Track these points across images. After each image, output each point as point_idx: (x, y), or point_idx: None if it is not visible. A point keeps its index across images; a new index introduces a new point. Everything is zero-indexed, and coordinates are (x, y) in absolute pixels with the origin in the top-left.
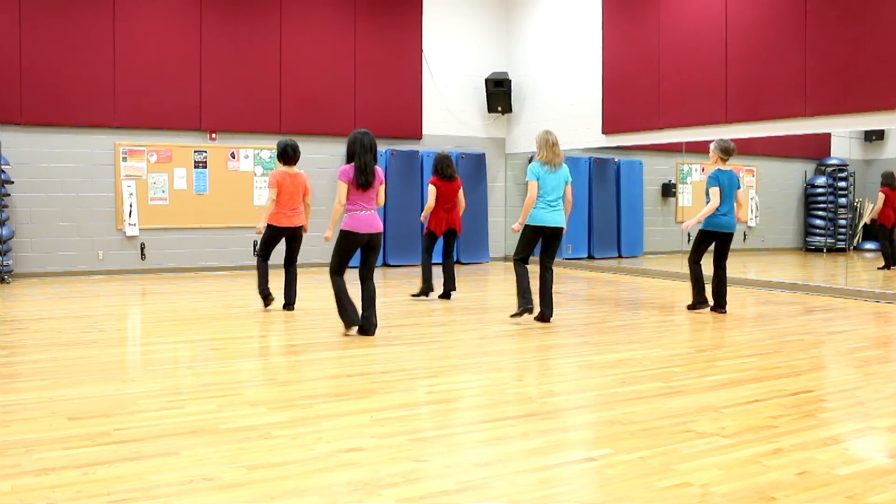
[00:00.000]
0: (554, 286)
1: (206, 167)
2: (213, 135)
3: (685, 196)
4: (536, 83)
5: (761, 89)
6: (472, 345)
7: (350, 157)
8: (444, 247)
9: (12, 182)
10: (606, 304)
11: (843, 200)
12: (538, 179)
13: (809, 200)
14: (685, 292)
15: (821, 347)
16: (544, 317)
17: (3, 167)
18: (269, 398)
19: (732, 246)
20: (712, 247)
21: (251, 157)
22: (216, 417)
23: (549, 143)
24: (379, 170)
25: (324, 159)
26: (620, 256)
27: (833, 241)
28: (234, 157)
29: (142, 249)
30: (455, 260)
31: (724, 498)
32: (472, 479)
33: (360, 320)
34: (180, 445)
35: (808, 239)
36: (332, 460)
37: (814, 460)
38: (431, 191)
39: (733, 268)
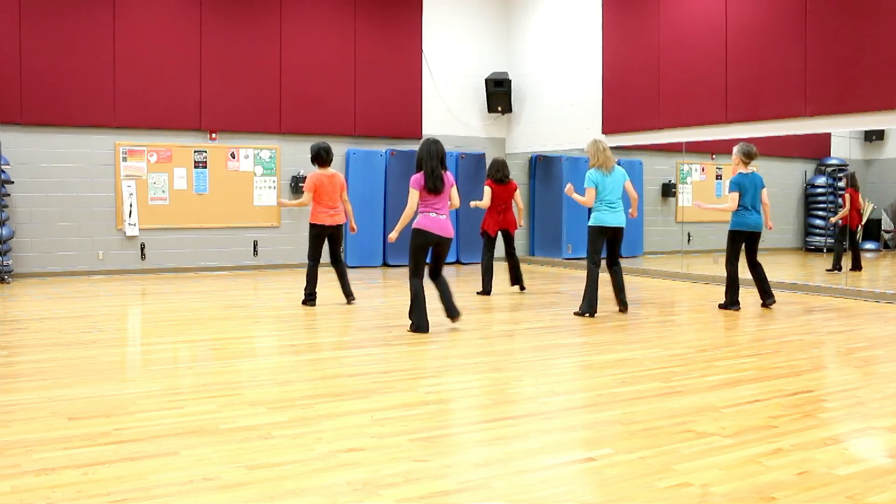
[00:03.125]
0: (555, 286)
1: (206, 167)
2: (213, 135)
3: (685, 196)
4: (536, 83)
5: (761, 89)
6: (472, 345)
7: (419, 166)
8: (505, 246)
9: (12, 182)
10: (607, 304)
11: (842, 200)
12: (596, 186)
13: (809, 200)
14: (685, 292)
15: (821, 347)
16: (622, 309)
17: (3, 167)
18: (269, 398)
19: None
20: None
21: (251, 157)
22: (216, 417)
23: (599, 149)
24: (448, 174)
25: None
26: (620, 256)
27: (833, 240)
28: (234, 157)
29: (142, 249)
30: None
31: (724, 498)
32: (472, 479)
33: (429, 328)
34: (180, 445)
35: (807, 239)
36: (332, 460)
37: (814, 460)
38: (487, 192)
39: None
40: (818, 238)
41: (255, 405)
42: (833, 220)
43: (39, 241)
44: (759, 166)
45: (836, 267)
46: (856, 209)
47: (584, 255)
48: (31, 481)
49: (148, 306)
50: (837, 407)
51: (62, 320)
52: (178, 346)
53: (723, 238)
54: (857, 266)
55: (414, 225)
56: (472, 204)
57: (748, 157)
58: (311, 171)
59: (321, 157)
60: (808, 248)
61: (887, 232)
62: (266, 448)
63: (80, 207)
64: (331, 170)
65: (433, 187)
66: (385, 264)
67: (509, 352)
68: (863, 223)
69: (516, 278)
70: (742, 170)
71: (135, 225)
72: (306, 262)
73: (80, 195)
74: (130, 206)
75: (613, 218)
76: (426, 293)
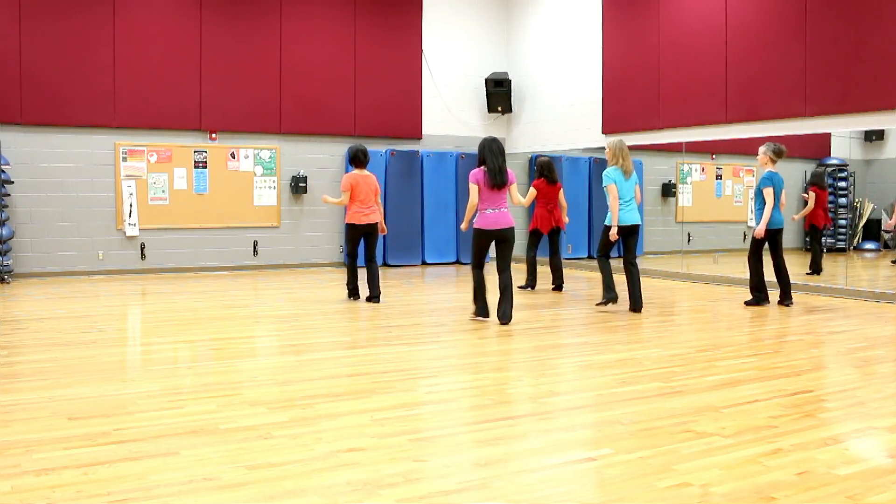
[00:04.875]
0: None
1: (206, 167)
2: (213, 135)
3: (685, 196)
4: (536, 83)
5: (761, 89)
6: (472, 345)
7: (481, 162)
8: (552, 244)
9: (12, 182)
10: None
11: (843, 200)
12: (616, 182)
13: None
14: (685, 292)
15: (821, 347)
16: (636, 308)
17: (3, 167)
18: (269, 398)
19: (733, 245)
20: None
21: (251, 157)
22: (216, 417)
23: (624, 152)
24: (510, 172)
25: (324, 159)
26: (621, 256)
27: (833, 241)
28: (234, 157)
29: (142, 249)
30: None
31: (724, 498)
32: (472, 479)
33: (489, 314)
34: (180, 445)
35: (807, 239)
36: (332, 460)
37: (814, 460)
38: (532, 193)
39: (733, 267)
40: None
41: (255, 405)
42: (795, 217)
43: (39, 241)
44: (758, 167)
45: (814, 269)
46: (822, 208)
47: (584, 255)
48: (31, 481)
49: (148, 306)
50: (837, 407)
51: (62, 320)
52: (178, 346)
53: (723, 238)
54: (816, 268)
55: (474, 225)
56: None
57: (778, 155)
58: (348, 172)
59: (358, 159)
60: (808, 249)
61: (887, 232)
62: (266, 448)
63: (80, 207)
64: (366, 171)
65: (498, 183)
66: (385, 264)
67: (509, 352)
68: (863, 224)
69: (559, 280)
70: (771, 168)
71: (135, 225)
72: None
73: (80, 195)
74: (130, 206)
75: (630, 216)
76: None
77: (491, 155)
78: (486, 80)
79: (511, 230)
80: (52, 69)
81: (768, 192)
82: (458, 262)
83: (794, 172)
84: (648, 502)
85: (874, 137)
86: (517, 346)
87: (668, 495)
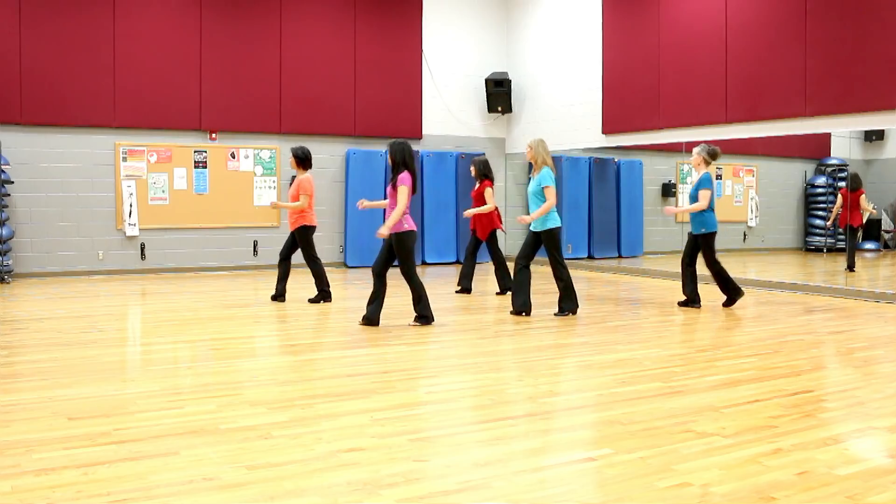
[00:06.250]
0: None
1: (206, 167)
2: (213, 135)
3: (685, 196)
4: (536, 83)
5: (761, 89)
6: (472, 345)
7: (402, 165)
8: (478, 246)
9: (12, 182)
10: (606, 304)
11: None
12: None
13: (809, 200)
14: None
15: (821, 347)
16: (528, 311)
17: (3, 167)
18: (269, 398)
19: (733, 246)
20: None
21: (251, 157)
22: (216, 417)
23: (548, 152)
24: None
25: (324, 159)
26: (620, 256)
27: (833, 241)
28: (234, 157)
29: (142, 249)
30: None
31: (724, 498)
32: (472, 479)
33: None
34: (180, 445)
35: (808, 239)
36: (332, 460)
37: (814, 460)
38: (490, 194)
39: (732, 267)
40: (818, 238)
41: (255, 405)
42: (828, 223)
43: (39, 241)
44: (758, 167)
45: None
46: (847, 208)
47: (584, 255)
48: (31, 481)
49: (148, 306)
50: (837, 407)
51: (62, 320)
52: (178, 346)
53: (723, 238)
54: (850, 265)
55: (408, 228)
56: (486, 209)
57: (712, 156)
58: (304, 176)
59: (309, 161)
60: (808, 248)
61: (887, 232)
62: (266, 448)
63: (80, 207)
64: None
65: (414, 188)
66: None
67: (509, 352)
68: (862, 223)
69: (468, 284)
70: (705, 169)
71: (135, 225)
72: (300, 263)
73: (80, 195)
74: (130, 206)
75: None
76: (370, 291)
77: (412, 161)
78: (486, 80)
79: None
80: (52, 69)
81: (707, 195)
82: (458, 261)
83: (795, 172)
84: (648, 502)
85: (874, 137)
86: (517, 346)
87: (668, 495)
